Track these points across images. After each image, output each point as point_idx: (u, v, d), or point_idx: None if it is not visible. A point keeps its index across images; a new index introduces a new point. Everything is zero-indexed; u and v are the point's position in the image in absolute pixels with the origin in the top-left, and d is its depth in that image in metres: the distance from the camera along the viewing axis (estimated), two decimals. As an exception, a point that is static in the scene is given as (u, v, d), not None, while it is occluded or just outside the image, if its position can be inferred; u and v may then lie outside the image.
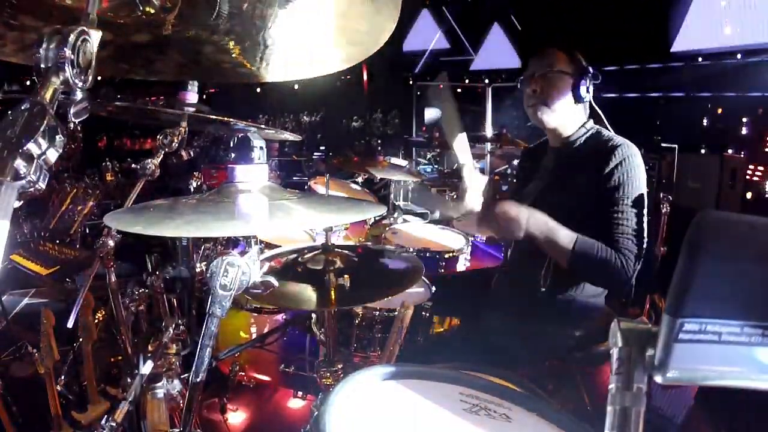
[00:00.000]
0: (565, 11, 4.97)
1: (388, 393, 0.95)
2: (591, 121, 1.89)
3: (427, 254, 2.78)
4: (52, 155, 0.58)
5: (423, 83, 7.06)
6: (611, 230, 1.64)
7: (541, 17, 5.27)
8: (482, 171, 5.07)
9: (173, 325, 1.69)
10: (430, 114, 7.24)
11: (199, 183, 2.28)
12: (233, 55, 1.08)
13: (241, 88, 8.00)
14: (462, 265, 2.86)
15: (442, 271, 2.77)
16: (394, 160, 4.27)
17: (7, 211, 0.53)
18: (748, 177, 3.79)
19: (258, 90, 8.60)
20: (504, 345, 1.69)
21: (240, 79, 1.14)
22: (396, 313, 1.60)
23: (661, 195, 2.97)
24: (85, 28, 0.63)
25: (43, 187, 0.57)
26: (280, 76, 1.14)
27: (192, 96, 1.63)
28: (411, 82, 7.13)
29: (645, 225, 1.66)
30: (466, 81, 6.47)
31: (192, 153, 1.86)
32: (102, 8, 0.78)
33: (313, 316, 2.07)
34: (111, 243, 1.66)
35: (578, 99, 1.80)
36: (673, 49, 4.44)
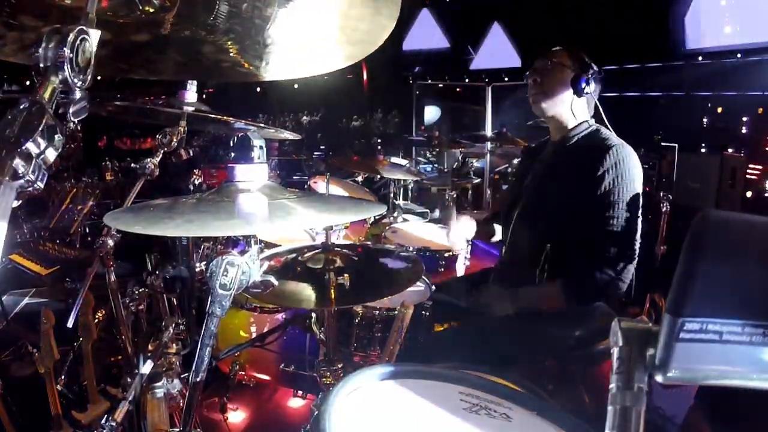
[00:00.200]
0: (566, 11, 4.97)
1: (388, 392, 0.95)
2: (592, 119, 1.90)
3: (427, 253, 2.78)
4: (51, 154, 0.58)
5: (423, 83, 7.06)
6: (601, 233, 1.66)
7: (541, 17, 5.26)
8: (482, 170, 5.08)
9: (173, 325, 1.68)
10: (430, 113, 7.24)
11: (198, 182, 2.28)
12: (232, 55, 1.08)
13: (241, 87, 8.00)
14: (462, 264, 2.86)
15: (441, 270, 2.77)
16: (394, 160, 4.27)
17: (5, 210, 0.53)
18: (748, 177, 3.78)
19: (257, 89, 8.60)
20: (504, 345, 1.70)
21: (239, 79, 1.14)
22: (396, 312, 1.60)
23: (661, 194, 2.97)
24: (84, 28, 0.63)
25: (42, 186, 0.57)
26: (280, 76, 1.14)
27: (191, 95, 1.63)
28: (411, 82, 7.13)
29: (638, 227, 1.68)
30: (466, 81, 6.47)
31: (191, 152, 1.86)
32: (101, 8, 0.78)
33: (313, 315, 2.06)
34: (111, 242, 1.66)
35: (578, 92, 1.80)
36: (673, 49, 4.43)
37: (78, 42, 0.61)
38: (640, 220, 1.68)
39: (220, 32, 1.01)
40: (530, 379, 1.18)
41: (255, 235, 1.05)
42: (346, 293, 1.44)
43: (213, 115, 1.80)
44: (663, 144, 4.27)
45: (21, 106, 0.57)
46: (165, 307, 2.12)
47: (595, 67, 1.82)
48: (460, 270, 2.84)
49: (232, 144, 1.16)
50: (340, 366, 1.61)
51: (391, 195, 4.00)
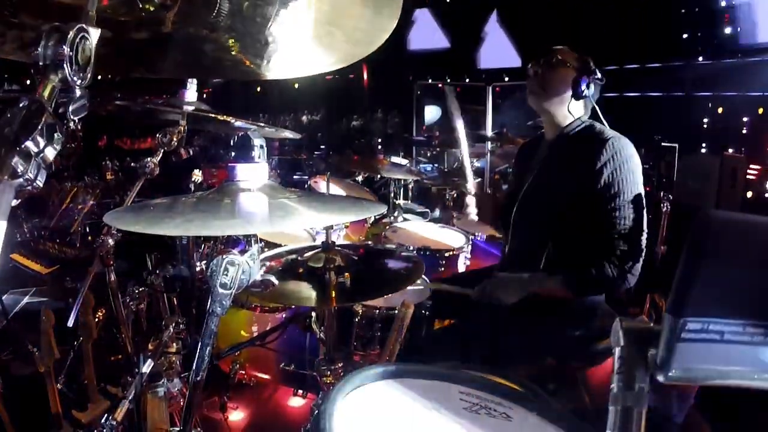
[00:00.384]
0: (566, 11, 4.97)
1: (388, 392, 0.95)
2: (587, 117, 1.90)
3: (427, 253, 2.78)
4: (51, 153, 0.57)
5: (423, 83, 7.05)
6: (605, 227, 1.65)
7: (541, 16, 5.26)
8: (482, 170, 5.07)
9: (173, 324, 1.69)
10: (431, 114, 7.23)
11: (199, 181, 2.28)
12: (233, 53, 1.08)
13: (241, 86, 8.00)
14: (462, 264, 2.86)
15: (442, 269, 2.77)
16: (395, 159, 4.26)
17: (5, 209, 0.53)
18: (748, 177, 3.78)
19: (258, 89, 8.60)
20: (504, 344, 1.70)
21: (240, 77, 1.14)
22: (396, 311, 1.60)
23: (661, 195, 2.97)
24: (84, 26, 0.63)
25: (41, 185, 0.57)
26: (281, 75, 1.14)
27: (191, 94, 1.63)
28: (411, 82, 7.12)
29: (643, 218, 1.66)
30: (467, 80, 6.47)
31: (192, 151, 1.86)
32: (101, 6, 0.78)
33: (314, 314, 2.06)
34: (111, 242, 1.66)
35: (577, 93, 1.80)
36: (673, 49, 4.43)
37: (78, 40, 0.61)
38: (645, 210, 1.67)
39: (221, 31, 1.01)
40: (530, 379, 1.18)
41: (255, 235, 1.05)
42: (346, 292, 1.44)
43: (213, 114, 1.80)
44: (663, 144, 4.27)
45: (20, 105, 0.57)
46: (165, 306, 2.12)
47: (598, 73, 1.82)
48: (461, 269, 2.84)
49: (232, 143, 1.16)
50: (340, 365, 1.60)
51: (391, 195, 4.00)
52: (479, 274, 2.26)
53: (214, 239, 2.38)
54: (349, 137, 8.08)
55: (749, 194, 3.75)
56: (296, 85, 7.96)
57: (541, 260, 1.78)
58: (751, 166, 3.78)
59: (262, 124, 2.05)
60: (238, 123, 1.86)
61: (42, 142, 0.56)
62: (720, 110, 4.45)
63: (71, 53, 0.60)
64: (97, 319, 2.12)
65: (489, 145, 4.90)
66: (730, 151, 4.14)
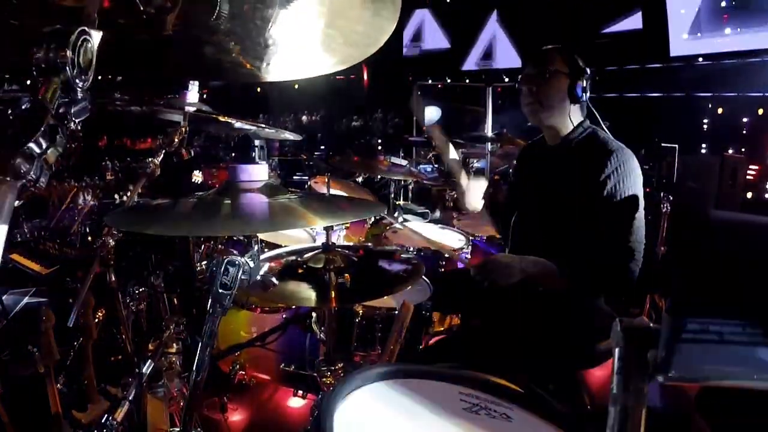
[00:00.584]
0: (566, 10, 4.96)
1: (389, 392, 0.95)
2: (587, 121, 1.90)
3: (428, 253, 2.78)
4: (53, 154, 0.58)
5: (423, 83, 7.06)
6: (606, 238, 1.67)
7: (542, 16, 5.26)
8: (482, 170, 5.07)
9: (173, 324, 1.69)
10: (431, 114, 7.23)
11: (199, 182, 2.28)
12: (234, 55, 1.08)
13: (241, 87, 7.99)
14: (462, 264, 2.86)
15: (442, 270, 2.77)
16: (395, 160, 4.26)
17: (8, 210, 0.53)
18: (748, 177, 3.78)
19: (258, 90, 8.60)
20: (504, 345, 1.70)
21: (241, 79, 1.14)
22: (396, 312, 1.60)
23: (661, 195, 2.97)
24: (85, 28, 0.63)
25: (44, 186, 0.57)
26: (281, 76, 1.14)
27: (192, 96, 1.64)
28: (411, 82, 7.13)
29: (641, 228, 1.69)
30: (467, 81, 6.47)
31: (192, 152, 1.86)
32: (102, 8, 0.78)
33: (314, 315, 2.07)
34: (111, 242, 1.66)
35: (574, 99, 1.81)
36: (672, 49, 4.43)
37: (79, 42, 0.62)
38: (642, 222, 1.69)
39: (222, 33, 1.01)
40: (530, 379, 1.18)
41: (255, 235, 1.05)
42: (347, 293, 1.45)
43: (214, 115, 1.80)
44: (663, 145, 4.27)
45: (23, 107, 0.57)
46: (165, 306, 2.13)
47: (588, 71, 1.82)
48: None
49: (233, 144, 1.17)
50: (340, 366, 1.61)
51: (391, 195, 4.00)
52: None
53: (214, 239, 2.38)
54: (349, 137, 8.08)
55: (749, 194, 3.75)
56: (296, 86, 7.96)
57: None
58: (751, 166, 3.79)
59: (263, 125, 2.05)
60: (239, 124, 1.86)
61: (44, 144, 0.56)
62: (720, 111, 4.45)
63: (73, 56, 0.60)
64: (97, 319, 2.11)
65: (489, 145, 4.91)
66: (730, 151, 4.14)
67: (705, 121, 4.51)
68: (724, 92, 4.39)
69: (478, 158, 4.97)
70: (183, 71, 1.22)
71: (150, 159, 1.70)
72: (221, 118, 1.82)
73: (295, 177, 6.34)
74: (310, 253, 1.60)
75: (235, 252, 0.96)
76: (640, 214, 1.69)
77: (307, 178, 5.46)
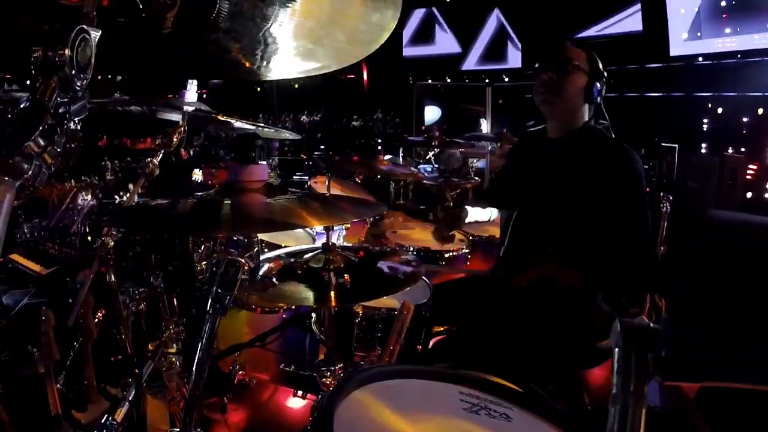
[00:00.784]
0: (567, 10, 4.97)
1: (389, 392, 0.95)
2: (592, 121, 1.90)
3: (428, 254, 2.78)
4: (52, 154, 0.58)
5: (423, 83, 7.06)
6: (612, 237, 1.67)
7: (542, 16, 5.26)
8: (482, 170, 5.07)
9: (173, 324, 1.69)
10: (430, 114, 7.23)
11: (199, 182, 2.28)
12: (233, 54, 1.08)
13: (240, 87, 7.99)
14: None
15: (440, 269, 2.77)
16: (394, 160, 4.27)
17: (6, 209, 0.53)
18: (748, 177, 3.79)
19: (258, 89, 8.60)
20: (504, 344, 1.70)
21: (240, 78, 1.14)
22: (396, 312, 1.60)
23: (661, 195, 2.96)
24: (84, 27, 0.63)
25: (42, 185, 0.57)
26: (281, 75, 1.14)
27: (191, 95, 1.64)
28: (411, 82, 7.13)
29: (648, 227, 1.69)
30: (466, 81, 6.47)
31: (192, 152, 1.86)
32: (101, 6, 0.78)
33: (313, 315, 2.06)
34: (111, 242, 1.66)
35: (589, 98, 1.81)
36: (672, 49, 4.44)
37: (78, 41, 0.61)
38: (649, 221, 1.70)
39: (222, 32, 1.01)
40: (530, 379, 1.18)
41: (256, 235, 1.05)
42: (347, 293, 1.44)
43: (213, 115, 1.80)
44: (663, 145, 4.28)
45: (21, 106, 0.57)
46: (165, 306, 2.12)
47: (605, 74, 1.82)
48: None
49: (232, 144, 1.17)
50: (340, 366, 1.61)
51: (392, 195, 3.99)
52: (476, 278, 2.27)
53: (214, 239, 2.38)
54: (349, 137, 8.08)
55: (749, 194, 3.76)
56: (296, 86, 7.97)
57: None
58: (751, 166, 3.79)
59: (262, 125, 2.05)
60: (238, 123, 1.86)
61: (43, 143, 0.56)
62: (720, 110, 4.45)
63: (72, 54, 0.60)
64: (97, 319, 2.11)
65: (489, 145, 4.91)
66: (730, 151, 4.14)
67: (705, 120, 4.51)
68: (724, 92, 4.40)
69: (478, 158, 4.97)
70: (182, 70, 1.22)
71: (149, 159, 1.70)
72: (220, 118, 1.81)
73: (295, 177, 6.34)
74: (310, 254, 1.60)
75: (235, 252, 0.96)
76: (647, 213, 1.70)
77: (307, 178, 5.46)
